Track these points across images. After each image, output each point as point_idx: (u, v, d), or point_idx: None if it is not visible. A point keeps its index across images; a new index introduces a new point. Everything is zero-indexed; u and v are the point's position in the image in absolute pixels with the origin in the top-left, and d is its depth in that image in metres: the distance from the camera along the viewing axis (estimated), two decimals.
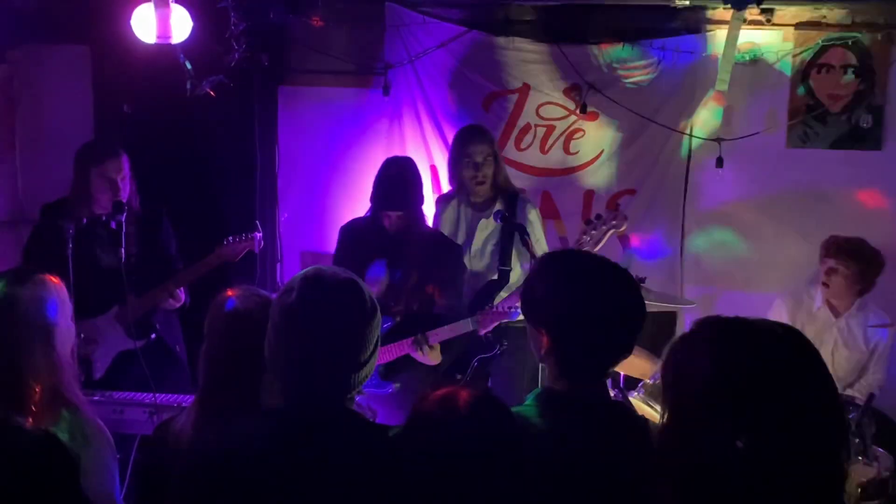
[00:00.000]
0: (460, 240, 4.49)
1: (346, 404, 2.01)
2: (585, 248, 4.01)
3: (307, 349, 1.95)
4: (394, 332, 4.07)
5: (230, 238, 4.15)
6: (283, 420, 1.98)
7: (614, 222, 4.05)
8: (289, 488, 1.89)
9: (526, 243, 4.00)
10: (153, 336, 4.20)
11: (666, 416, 1.44)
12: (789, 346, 1.42)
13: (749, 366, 1.37)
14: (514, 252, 4.34)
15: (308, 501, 1.88)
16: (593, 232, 4.05)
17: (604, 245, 5.15)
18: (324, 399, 1.97)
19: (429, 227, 4.36)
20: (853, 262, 4.37)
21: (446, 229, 4.52)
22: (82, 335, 3.94)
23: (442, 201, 4.66)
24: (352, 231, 4.32)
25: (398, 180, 4.14)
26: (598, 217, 4.10)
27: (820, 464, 1.35)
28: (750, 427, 1.33)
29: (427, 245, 4.19)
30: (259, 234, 4.18)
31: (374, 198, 4.18)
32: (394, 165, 4.27)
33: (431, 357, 4.08)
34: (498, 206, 4.37)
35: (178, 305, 4.21)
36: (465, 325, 4.10)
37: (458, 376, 4.35)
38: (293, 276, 2.03)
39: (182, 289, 4.19)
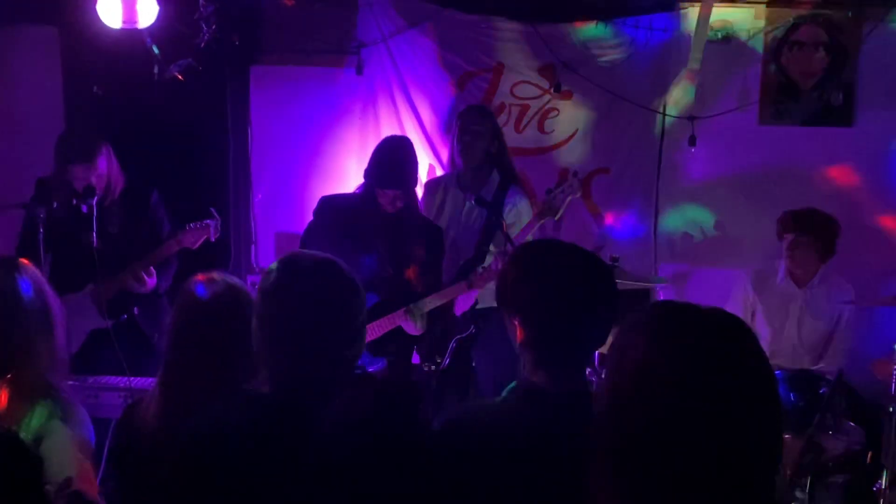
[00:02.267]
0: (444, 219, 4.55)
1: (340, 382, 2.00)
2: (546, 217, 4.28)
3: (294, 328, 1.96)
4: (379, 307, 4.09)
5: (191, 224, 4.18)
6: (271, 404, 1.98)
7: (570, 188, 4.31)
8: (276, 472, 1.89)
9: (500, 226, 4.04)
10: (124, 317, 4.20)
11: (604, 394, 1.47)
12: (725, 333, 1.43)
13: (680, 349, 1.39)
14: (496, 234, 4.37)
15: (300, 483, 1.88)
16: (553, 201, 4.28)
17: (575, 221, 5.26)
18: (318, 380, 1.97)
19: (418, 212, 4.36)
20: (811, 231, 4.45)
21: (431, 213, 4.57)
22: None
23: (430, 186, 4.69)
24: (338, 207, 4.26)
25: (398, 159, 4.14)
26: (557, 185, 4.39)
27: (750, 455, 1.37)
28: (678, 409, 1.36)
29: (415, 227, 4.21)
30: (214, 222, 4.18)
31: (371, 175, 4.14)
32: (393, 143, 4.27)
33: (420, 326, 4.13)
34: (490, 185, 4.46)
35: (145, 290, 4.19)
36: (458, 289, 4.18)
37: (438, 359, 4.39)
38: (271, 263, 2.05)
39: (152, 273, 4.17)
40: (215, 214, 4.23)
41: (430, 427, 2.01)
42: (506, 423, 1.95)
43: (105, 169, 4.19)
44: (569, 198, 4.34)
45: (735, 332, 1.45)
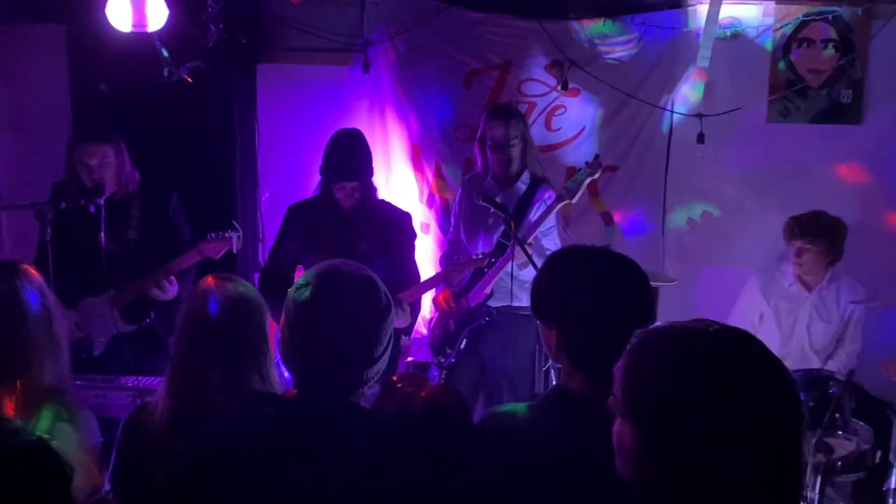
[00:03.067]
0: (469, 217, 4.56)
1: (354, 398, 2.01)
2: (566, 201, 4.28)
3: (321, 345, 1.96)
4: None
5: (212, 234, 4.12)
6: (288, 410, 1.99)
7: (591, 169, 4.31)
8: (283, 477, 1.89)
9: (508, 224, 4.04)
10: (147, 322, 4.19)
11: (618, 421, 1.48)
12: (746, 360, 1.43)
13: (704, 381, 1.39)
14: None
15: (303, 490, 1.88)
16: (573, 183, 4.30)
17: (585, 219, 5.25)
18: (333, 393, 1.97)
19: (379, 198, 4.35)
20: (820, 237, 4.41)
21: (464, 211, 4.61)
22: (79, 316, 4.06)
23: (469, 182, 4.68)
24: (301, 211, 4.30)
25: (350, 151, 4.15)
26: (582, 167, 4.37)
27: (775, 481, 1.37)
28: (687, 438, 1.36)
29: (380, 216, 4.22)
30: (237, 234, 4.13)
31: (325, 170, 4.15)
32: (344, 137, 4.26)
33: (402, 319, 4.14)
34: (521, 184, 4.45)
35: (166, 297, 4.13)
36: (434, 281, 4.28)
37: (448, 350, 4.41)
38: (308, 271, 2.04)
39: (174, 282, 4.12)
40: (237, 227, 4.18)
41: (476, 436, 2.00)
42: (545, 430, 1.93)
43: (114, 157, 4.12)
44: (588, 179, 4.32)
45: (751, 352, 1.44)
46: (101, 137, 4.10)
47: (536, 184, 4.47)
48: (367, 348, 1.98)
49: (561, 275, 2.05)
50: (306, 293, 1.97)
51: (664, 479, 1.39)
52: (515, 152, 4.42)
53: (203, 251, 4.11)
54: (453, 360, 4.44)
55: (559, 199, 4.31)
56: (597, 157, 4.42)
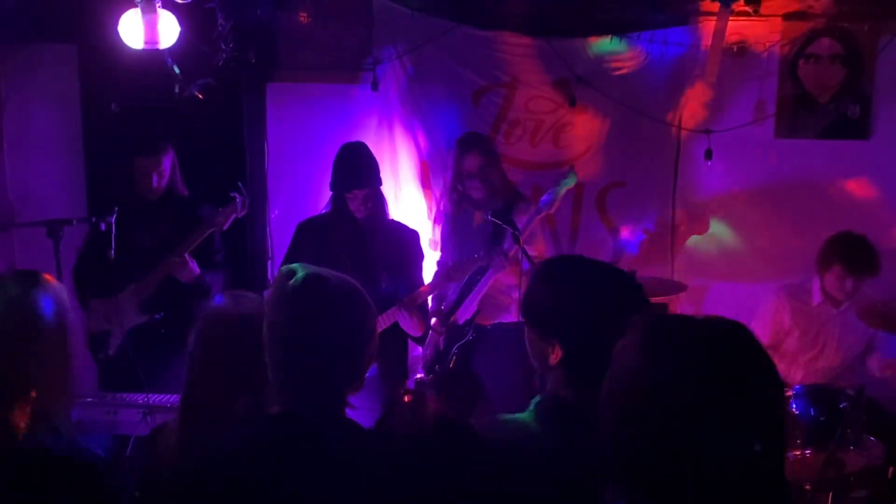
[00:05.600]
0: (453, 231, 4.63)
1: (341, 411, 2.01)
2: (544, 212, 4.42)
3: (304, 356, 1.96)
4: None
5: (220, 208, 4.42)
6: (276, 427, 1.99)
7: (565, 179, 4.48)
8: (277, 494, 1.89)
9: (517, 239, 4.07)
10: (159, 315, 4.37)
11: (607, 409, 1.48)
12: (720, 344, 1.43)
13: (676, 364, 1.39)
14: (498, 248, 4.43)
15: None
16: (547, 197, 4.44)
17: (593, 235, 5.27)
18: (319, 405, 1.98)
19: (388, 215, 4.43)
20: (870, 275, 4.38)
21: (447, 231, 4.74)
22: (103, 315, 4.39)
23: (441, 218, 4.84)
24: (312, 227, 4.36)
25: (358, 160, 4.24)
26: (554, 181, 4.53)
27: (757, 460, 1.37)
28: (680, 423, 1.36)
29: (391, 231, 4.31)
30: (241, 198, 4.39)
31: (336, 182, 4.22)
32: (351, 148, 4.36)
33: (418, 322, 4.23)
34: (495, 205, 4.51)
35: (191, 275, 4.39)
36: (438, 280, 4.33)
37: (437, 367, 4.45)
38: (287, 286, 2.00)
39: (192, 260, 4.38)
40: (243, 190, 4.42)
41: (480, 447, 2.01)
42: (537, 439, 1.93)
43: (169, 167, 4.46)
44: (563, 189, 4.45)
45: (731, 337, 1.44)
46: (159, 149, 4.44)
47: (512, 201, 4.57)
48: (351, 358, 1.99)
49: (565, 289, 2.02)
50: (288, 305, 1.98)
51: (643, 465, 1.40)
52: (488, 177, 4.54)
53: (214, 223, 4.40)
54: (444, 378, 4.45)
55: (536, 211, 4.44)
56: (571, 167, 4.60)
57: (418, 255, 4.44)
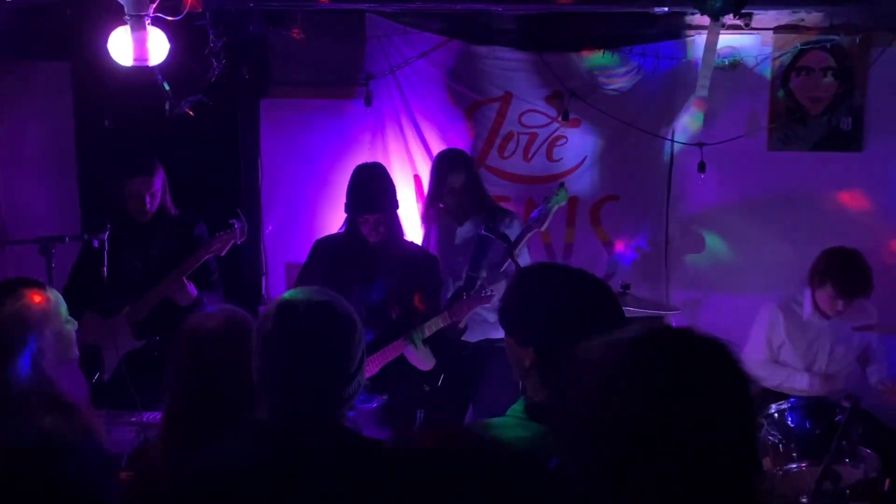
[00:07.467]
0: (432, 247, 4.62)
1: (338, 420, 2.02)
2: (535, 229, 4.43)
3: (291, 373, 1.98)
4: (377, 342, 4.07)
5: (219, 233, 4.35)
6: (268, 438, 2.00)
7: (557, 197, 4.49)
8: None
9: (511, 254, 4.06)
10: (156, 339, 4.28)
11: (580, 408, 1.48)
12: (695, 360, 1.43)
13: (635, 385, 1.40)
14: (484, 262, 4.42)
15: None
16: (537, 213, 4.47)
17: (588, 249, 5.27)
18: (313, 417, 1.99)
19: (406, 239, 4.38)
20: (861, 297, 4.39)
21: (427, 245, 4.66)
22: (96, 329, 4.27)
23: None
24: (327, 247, 4.30)
25: (373, 184, 4.18)
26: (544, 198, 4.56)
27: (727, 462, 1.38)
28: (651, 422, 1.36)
29: (407, 257, 4.21)
30: (239, 224, 4.33)
31: (350, 205, 4.16)
32: (366, 170, 4.30)
33: (425, 357, 4.13)
34: (477, 219, 4.50)
35: (188, 298, 4.31)
36: (442, 319, 4.18)
37: (427, 388, 4.39)
38: (269, 304, 2.09)
39: (190, 284, 4.32)
40: (241, 216, 4.36)
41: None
42: (514, 441, 1.94)
43: (160, 187, 4.38)
44: (555, 207, 4.45)
45: (706, 352, 1.45)
46: (152, 168, 4.36)
47: (494, 215, 4.55)
48: (339, 368, 2.01)
49: (536, 296, 2.07)
50: (268, 325, 2.01)
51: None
52: (468, 193, 4.53)
53: (210, 249, 4.32)
54: (433, 396, 4.40)
55: (528, 228, 4.43)
56: (561, 184, 4.63)
57: (434, 282, 4.34)
